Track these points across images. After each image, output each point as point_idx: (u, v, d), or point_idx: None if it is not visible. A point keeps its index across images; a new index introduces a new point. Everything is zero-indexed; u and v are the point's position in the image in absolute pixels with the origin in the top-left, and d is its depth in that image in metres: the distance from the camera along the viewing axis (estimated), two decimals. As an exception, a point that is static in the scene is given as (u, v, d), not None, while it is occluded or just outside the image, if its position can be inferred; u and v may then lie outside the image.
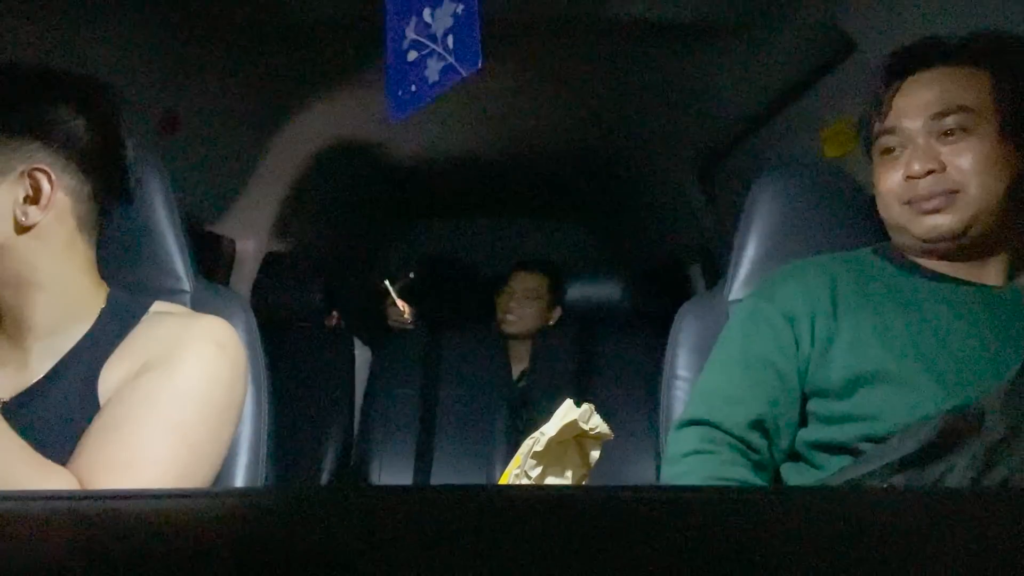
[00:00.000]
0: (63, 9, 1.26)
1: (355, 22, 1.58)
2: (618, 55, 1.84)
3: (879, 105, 1.00)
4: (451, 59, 0.82)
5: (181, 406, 0.84)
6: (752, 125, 1.99)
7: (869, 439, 0.91)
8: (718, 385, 1.03)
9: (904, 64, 0.99)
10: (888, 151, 0.99)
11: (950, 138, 0.94)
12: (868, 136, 1.04)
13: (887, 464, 0.87)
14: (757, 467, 0.98)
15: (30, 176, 0.87)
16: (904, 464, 0.86)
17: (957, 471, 0.83)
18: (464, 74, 0.81)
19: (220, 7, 1.51)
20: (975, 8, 1.16)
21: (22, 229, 0.87)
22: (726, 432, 0.98)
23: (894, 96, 0.98)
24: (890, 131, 0.98)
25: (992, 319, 0.93)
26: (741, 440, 0.97)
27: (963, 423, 0.85)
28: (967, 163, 0.93)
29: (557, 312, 2.65)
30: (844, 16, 1.41)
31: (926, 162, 0.94)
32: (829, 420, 0.97)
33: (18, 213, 0.86)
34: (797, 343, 1.00)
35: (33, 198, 0.87)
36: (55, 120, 0.89)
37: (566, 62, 1.89)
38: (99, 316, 0.92)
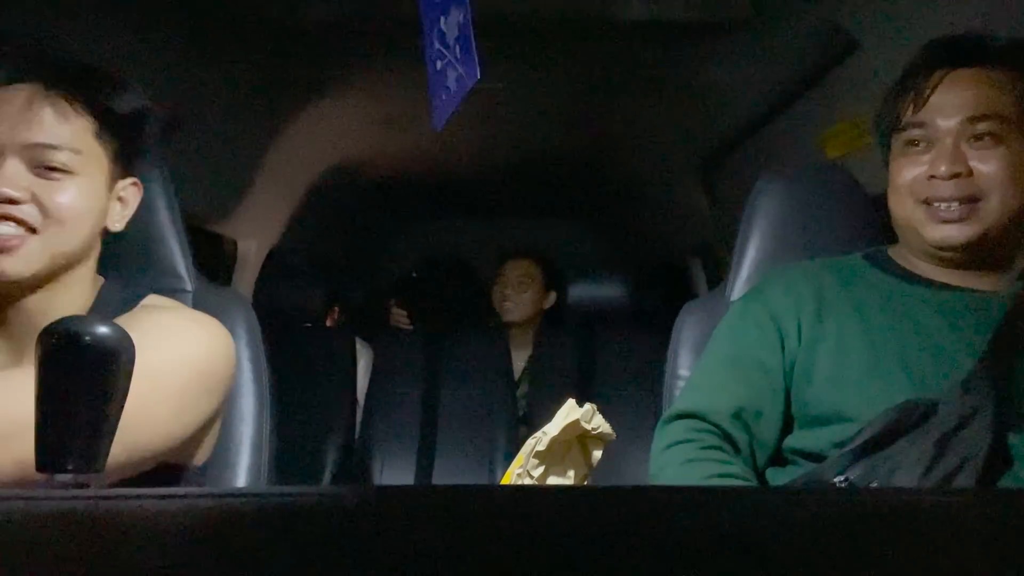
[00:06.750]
0: (63, 6, 1.26)
1: (360, 24, 1.59)
2: (621, 55, 1.84)
3: (917, 94, 0.96)
4: (460, 68, 0.81)
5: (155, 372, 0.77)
6: (754, 125, 1.99)
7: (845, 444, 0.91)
8: (704, 380, 1.04)
9: (945, 57, 0.96)
10: (912, 144, 0.96)
11: (980, 143, 0.92)
12: (886, 125, 1.01)
13: (844, 454, 0.88)
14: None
15: (132, 186, 0.93)
16: (859, 454, 0.87)
17: (910, 460, 0.85)
18: (469, 83, 0.80)
19: (224, 7, 1.51)
20: (977, 9, 1.15)
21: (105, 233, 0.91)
22: (710, 423, 0.98)
23: (934, 89, 0.95)
24: (920, 124, 0.95)
25: (981, 325, 0.92)
26: (722, 431, 0.97)
27: (914, 414, 0.86)
28: (994, 171, 0.91)
29: (552, 297, 2.66)
30: (846, 16, 1.41)
31: (953, 164, 0.91)
32: (812, 423, 0.97)
33: (115, 220, 0.91)
34: (783, 341, 1.00)
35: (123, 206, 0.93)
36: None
37: (568, 62, 1.89)
38: (90, 310, 0.92)
